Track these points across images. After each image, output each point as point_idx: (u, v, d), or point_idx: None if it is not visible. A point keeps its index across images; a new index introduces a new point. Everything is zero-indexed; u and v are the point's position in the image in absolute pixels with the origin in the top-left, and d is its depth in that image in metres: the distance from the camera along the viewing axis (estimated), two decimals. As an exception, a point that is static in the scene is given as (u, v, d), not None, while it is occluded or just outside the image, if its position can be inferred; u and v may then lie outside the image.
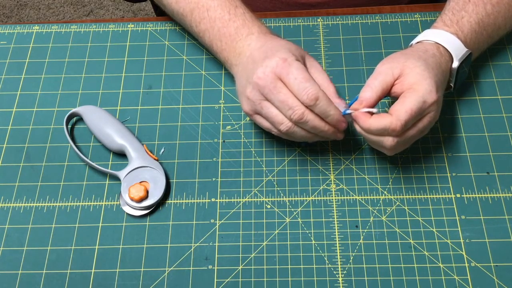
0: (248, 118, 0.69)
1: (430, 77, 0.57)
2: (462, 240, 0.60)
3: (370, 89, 0.57)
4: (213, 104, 0.70)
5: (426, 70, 0.57)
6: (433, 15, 0.76)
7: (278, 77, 0.56)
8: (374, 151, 0.65)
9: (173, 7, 0.69)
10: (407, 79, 0.57)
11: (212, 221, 0.62)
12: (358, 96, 0.58)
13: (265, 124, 0.60)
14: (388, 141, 0.56)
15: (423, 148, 0.66)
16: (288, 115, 0.56)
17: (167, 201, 0.64)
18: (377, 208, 0.62)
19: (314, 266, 0.59)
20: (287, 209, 0.63)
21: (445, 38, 0.62)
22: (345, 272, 0.59)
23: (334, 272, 0.59)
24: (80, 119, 0.69)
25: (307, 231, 0.61)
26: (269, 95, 0.57)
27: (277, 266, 0.59)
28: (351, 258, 0.59)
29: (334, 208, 0.62)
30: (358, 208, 0.62)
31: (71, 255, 0.61)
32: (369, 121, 0.56)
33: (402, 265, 0.59)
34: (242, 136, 0.68)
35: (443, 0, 0.70)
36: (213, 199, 0.64)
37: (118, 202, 0.64)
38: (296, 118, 0.56)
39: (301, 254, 0.60)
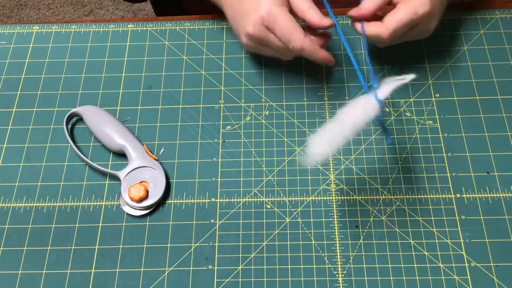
0: (248, 118, 0.69)
1: None
2: (462, 240, 0.60)
3: (371, 0, 0.62)
4: (213, 104, 0.70)
5: None
6: (433, 15, 0.76)
7: (267, 28, 0.62)
8: (374, 152, 0.65)
9: None
10: None
11: (212, 221, 0.62)
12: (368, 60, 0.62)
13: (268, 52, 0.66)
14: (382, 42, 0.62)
15: (423, 148, 0.66)
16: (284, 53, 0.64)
17: (167, 201, 0.64)
18: (377, 208, 0.62)
19: (314, 266, 0.59)
20: (287, 209, 0.63)
21: None
22: (345, 272, 0.59)
23: (334, 272, 0.59)
24: (80, 119, 0.69)
25: (307, 231, 0.61)
26: (264, 43, 0.63)
27: (277, 266, 0.59)
28: (351, 258, 0.59)
29: (334, 208, 0.62)
30: (358, 208, 0.62)
31: (71, 255, 0.61)
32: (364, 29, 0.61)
33: (402, 265, 0.59)
34: (242, 136, 0.68)
35: None
36: (213, 199, 0.64)
37: (118, 202, 0.64)
38: (296, 51, 0.62)
39: (301, 254, 0.60)
